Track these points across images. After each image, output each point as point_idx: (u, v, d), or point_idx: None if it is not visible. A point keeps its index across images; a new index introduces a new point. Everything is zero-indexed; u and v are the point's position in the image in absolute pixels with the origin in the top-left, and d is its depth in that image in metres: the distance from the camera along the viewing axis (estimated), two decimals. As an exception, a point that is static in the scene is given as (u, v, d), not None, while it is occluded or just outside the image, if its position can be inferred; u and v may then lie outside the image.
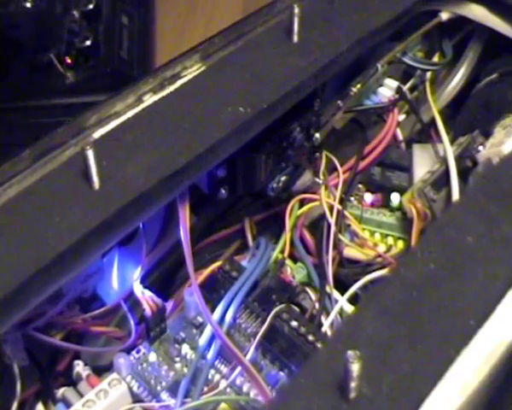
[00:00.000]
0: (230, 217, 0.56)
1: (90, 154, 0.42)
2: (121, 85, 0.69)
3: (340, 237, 0.54)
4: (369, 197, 0.58)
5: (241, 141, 0.47)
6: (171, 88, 0.49)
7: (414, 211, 0.53)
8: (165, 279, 0.53)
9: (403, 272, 0.40)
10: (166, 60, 0.75)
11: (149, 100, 0.49)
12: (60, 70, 0.69)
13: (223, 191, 0.51)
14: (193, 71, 0.50)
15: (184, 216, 0.47)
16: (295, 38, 0.51)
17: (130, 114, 0.48)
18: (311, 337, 0.48)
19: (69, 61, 0.70)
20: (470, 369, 0.36)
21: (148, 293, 0.49)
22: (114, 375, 0.46)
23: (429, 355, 0.36)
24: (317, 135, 0.53)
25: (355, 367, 0.33)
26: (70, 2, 0.77)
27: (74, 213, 0.42)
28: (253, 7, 0.87)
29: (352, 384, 0.34)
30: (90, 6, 0.75)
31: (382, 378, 0.35)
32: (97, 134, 0.46)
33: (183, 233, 0.47)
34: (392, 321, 0.38)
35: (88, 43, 0.70)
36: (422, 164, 0.57)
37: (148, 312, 0.48)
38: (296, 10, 0.50)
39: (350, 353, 0.33)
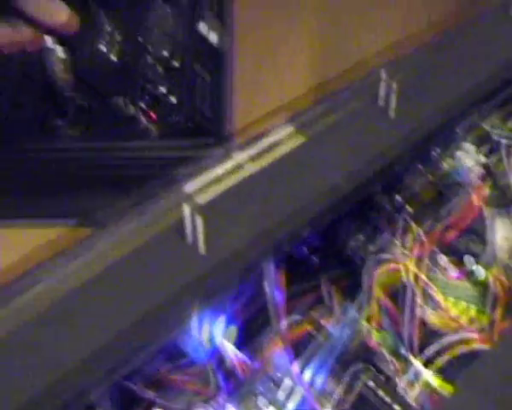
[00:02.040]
0: (315, 279, 0.57)
1: (198, 219, 0.43)
2: (204, 141, 0.72)
3: (424, 306, 0.55)
4: (451, 267, 0.59)
5: (336, 211, 0.49)
6: (269, 156, 0.51)
7: (499, 285, 0.54)
8: (252, 337, 0.54)
9: (499, 354, 0.41)
10: (242, 114, 0.78)
11: (248, 167, 0.50)
12: (143, 123, 0.70)
13: (314, 258, 0.52)
14: (290, 140, 0.52)
15: (278, 279, 0.48)
16: (391, 113, 0.52)
17: (230, 180, 0.49)
18: (396, 407, 0.48)
19: (153, 115, 0.72)
20: None
21: (233, 349, 0.50)
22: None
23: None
24: (399, 198, 0.54)
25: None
26: (154, 57, 0.79)
27: (180, 275, 0.43)
28: (322, 63, 0.89)
29: None
30: (175, 63, 0.77)
31: None
32: (201, 200, 0.47)
33: (277, 295, 0.48)
34: (490, 405, 0.38)
35: (172, 98, 0.72)
36: (507, 237, 0.58)
37: (232, 367, 0.49)
38: (394, 86, 0.51)
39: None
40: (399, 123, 0.52)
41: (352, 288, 0.59)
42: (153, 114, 0.73)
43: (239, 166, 0.50)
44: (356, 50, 0.90)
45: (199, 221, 0.43)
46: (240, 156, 0.50)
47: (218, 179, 0.48)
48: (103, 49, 0.78)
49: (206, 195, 0.47)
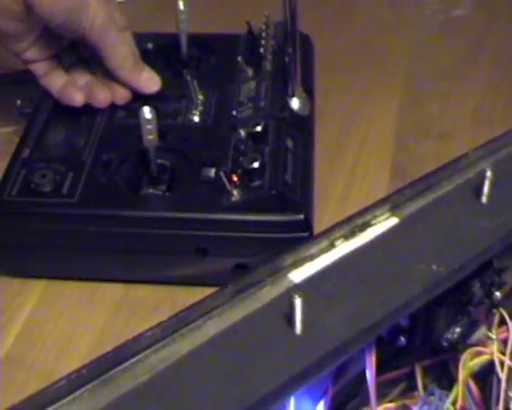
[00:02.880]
0: (400, 359, 0.58)
1: (298, 300, 0.44)
2: (284, 208, 0.73)
3: (508, 392, 0.55)
4: (537, 355, 0.59)
5: (430, 298, 0.49)
6: (362, 236, 0.52)
7: None
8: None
9: None
10: (322, 180, 0.79)
11: (342, 246, 0.51)
12: (226, 187, 0.72)
13: (402, 339, 0.52)
14: (383, 221, 0.52)
15: (371, 363, 0.49)
16: (484, 200, 0.52)
17: (325, 260, 0.50)
18: None
19: (235, 179, 0.73)
20: None
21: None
22: None
23: None
24: (498, 293, 0.54)
25: None
26: (237, 120, 0.80)
27: (277, 356, 0.44)
28: (404, 133, 0.90)
29: None
30: (258, 128, 0.78)
31: None
32: (298, 278, 0.48)
33: (370, 377, 0.49)
34: None
35: (255, 164, 0.73)
36: None
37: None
38: (489, 174, 0.52)
39: None
40: (497, 216, 0.52)
41: (440, 374, 0.59)
42: (238, 183, 0.74)
43: (332, 245, 0.50)
44: (438, 129, 0.91)
45: (298, 301, 0.44)
46: (333, 235, 0.51)
47: (311, 257, 0.49)
48: (195, 119, 0.80)
49: (302, 274, 0.48)
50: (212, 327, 0.46)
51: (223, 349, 0.44)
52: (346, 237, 0.51)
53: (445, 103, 0.96)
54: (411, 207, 0.53)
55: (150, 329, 0.45)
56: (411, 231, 0.51)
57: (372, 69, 1.02)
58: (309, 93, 0.87)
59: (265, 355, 0.44)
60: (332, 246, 0.51)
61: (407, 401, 0.55)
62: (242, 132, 0.79)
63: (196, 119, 0.83)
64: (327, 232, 0.51)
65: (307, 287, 0.47)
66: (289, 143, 0.80)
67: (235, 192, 0.74)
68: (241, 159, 0.76)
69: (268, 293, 0.47)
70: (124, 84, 0.82)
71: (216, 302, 0.47)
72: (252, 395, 0.42)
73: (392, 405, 0.54)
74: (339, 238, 0.51)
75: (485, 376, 0.57)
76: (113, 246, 0.76)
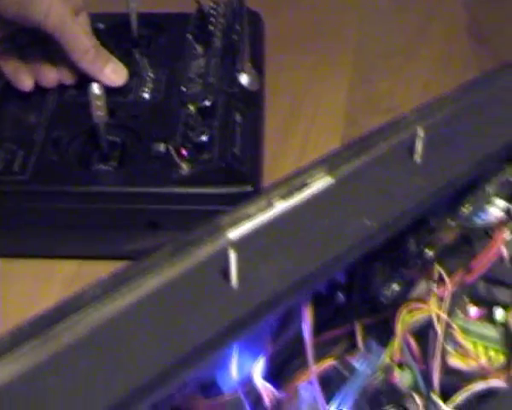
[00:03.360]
0: (341, 318, 0.59)
1: (232, 254, 0.45)
2: (233, 180, 0.74)
3: (445, 345, 0.57)
4: (473, 310, 0.61)
5: (363, 251, 0.51)
6: (300, 196, 0.53)
7: (518, 327, 0.56)
8: (281, 371, 0.56)
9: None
10: (272, 156, 0.80)
11: (279, 206, 0.52)
12: (175, 161, 0.73)
13: (340, 295, 0.54)
14: (320, 181, 0.54)
15: (307, 317, 0.50)
16: (417, 158, 0.54)
17: (262, 217, 0.51)
18: (418, 441, 0.50)
19: (184, 153, 0.74)
20: None
21: (264, 383, 0.52)
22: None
23: None
24: (430, 252, 0.56)
25: None
26: (186, 96, 0.81)
27: (213, 308, 0.45)
28: (354, 110, 0.91)
29: None
30: (207, 103, 0.79)
31: None
32: (234, 235, 0.49)
33: (306, 333, 0.50)
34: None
35: (203, 138, 0.74)
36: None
37: (265, 401, 0.51)
38: (420, 133, 0.53)
39: None
40: (429, 174, 0.54)
41: (381, 333, 0.61)
42: (187, 156, 0.75)
43: (270, 204, 0.51)
44: (388, 104, 0.92)
45: (233, 256, 0.45)
46: (271, 195, 0.52)
47: (249, 216, 0.50)
48: (146, 96, 0.81)
49: (237, 231, 0.49)
50: (150, 284, 0.47)
51: (160, 304, 0.45)
52: (284, 196, 0.52)
53: (395, 79, 0.98)
54: (347, 168, 0.54)
55: (90, 286, 0.46)
56: (346, 190, 0.52)
57: (322, 46, 1.03)
58: (258, 69, 0.88)
59: (202, 308, 0.45)
60: (270, 205, 0.52)
61: (347, 357, 0.56)
62: (191, 108, 0.80)
63: (146, 96, 0.84)
64: (265, 192, 0.52)
65: (243, 243, 0.48)
66: (238, 117, 0.81)
67: (184, 166, 0.75)
68: (191, 133, 0.77)
69: (205, 250, 0.48)
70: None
71: (155, 260, 0.48)
72: (189, 346, 0.43)
73: (330, 361, 0.55)
74: (276, 198, 0.52)
75: (424, 332, 0.58)
76: (66, 222, 0.76)
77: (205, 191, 0.74)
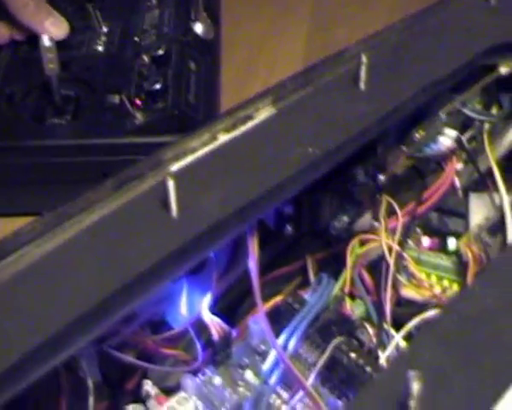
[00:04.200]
0: (293, 253, 0.59)
1: (171, 184, 0.45)
2: (188, 127, 0.73)
3: (398, 277, 0.56)
4: (426, 240, 0.61)
5: (308, 180, 0.50)
6: (244, 127, 0.52)
7: (470, 255, 0.55)
8: (232, 307, 0.56)
9: (460, 306, 0.43)
10: (230, 105, 0.79)
11: (223, 138, 0.52)
12: (129, 111, 0.72)
13: (288, 228, 0.53)
14: (264, 112, 0.53)
15: (253, 248, 0.50)
16: (362, 86, 0.53)
17: (205, 150, 0.51)
18: (368, 369, 0.50)
19: (138, 102, 0.73)
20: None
21: (215, 319, 0.52)
22: (182, 394, 0.49)
23: (485, 382, 0.39)
24: (380, 177, 0.56)
25: (415, 386, 0.35)
26: (140, 47, 0.81)
27: (153, 238, 0.45)
28: (312, 58, 0.90)
29: (412, 404, 0.36)
30: (160, 51, 0.78)
31: (440, 400, 0.38)
32: (175, 167, 0.49)
33: (252, 264, 0.49)
34: (449, 349, 0.40)
35: (157, 86, 0.73)
36: (478, 211, 0.60)
37: (214, 337, 0.51)
38: (364, 59, 0.53)
39: (411, 372, 0.35)
40: (374, 101, 0.53)
41: (329, 261, 0.60)
42: (142, 106, 0.74)
43: (213, 137, 0.51)
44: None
45: (171, 186, 0.44)
46: (215, 128, 0.51)
47: (192, 149, 0.50)
48: (99, 49, 0.80)
49: (179, 163, 0.49)
50: (92, 218, 0.46)
51: (102, 237, 0.45)
52: (228, 129, 0.52)
53: (352, 26, 0.97)
54: (291, 98, 0.54)
55: (30, 223, 0.45)
56: (290, 120, 0.52)
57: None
58: (213, 18, 0.87)
59: (142, 239, 0.44)
60: (214, 139, 0.51)
61: (299, 292, 0.56)
62: (145, 58, 0.79)
63: (100, 48, 0.83)
64: (209, 126, 0.51)
65: (184, 174, 0.48)
66: (192, 65, 0.80)
67: (138, 115, 0.74)
68: (145, 83, 0.76)
69: (147, 183, 0.48)
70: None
71: (97, 196, 0.47)
72: (130, 276, 0.42)
73: (282, 296, 0.55)
74: (220, 131, 0.51)
75: (378, 265, 0.58)
76: (21, 178, 0.76)
77: (159, 140, 0.73)
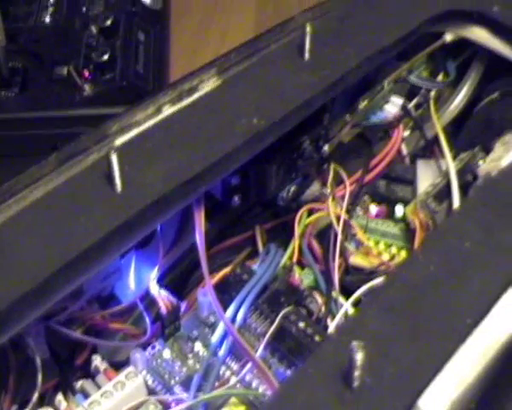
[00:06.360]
0: (242, 225, 0.59)
1: (114, 158, 0.44)
2: (137, 98, 0.72)
3: (346, 245, 0.57)
4: (374, 208, 0.61)
5: (254, 151, 0.50)
6: (189, 100, 0.52)
7: (417, 222, 0.56)
8: (180, 281, 0.56)
9: (404, 274, 0.43)
10: (180, 75, 0.79)
11: (168, 111, 0.51)
12: (78, 83, 0.71)
13: (236, 199, 0.53)
14: (209, 84, 0.53)
15: (200, 221, 0.50)
16: (307, 56, 0.53)
17: (149, 123, 0.50)
18: (317, 338, 0.50)
19: (87, 74, 0.73)
20: (467, 364, 0.39)
21: (163, 293, 0.52)
22: (131, 368, 0.49)
23: (429, 350, 0.39)
24: (326, 147, 0.56)
25: (359, 357, 0.36)
26: (88, 18, 0.80)
27: (98, 213, 0.44)
28: (264, 26, 0.90)
29: (356, 374, 0.36)
30: (108, 22, 0.78)
31: (384, 369, 0.38)
32: (120, 141, 0.48)
33: (199, 237, 0.49)
34: (394, 317, 0.41)
35: (105, 57, 0.73)
36: (425, 178, 0.60)
37: (163, 310, 0.51)
38: (308, 29, 0.52)
39: (354, 343, 0.36)
40: (319, 70, 0.53)
41: (278, 231, 0.61)
42: (90, 77, 0.74)
43: (158, 110, 0.51)
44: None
45: (115, 160, 0.44)
46: (160, 101, 0.51)
47: (136, 122, 0.49)
48: (47, 20, 0.79)
49: (124, 137, 0.48)
50: (36, 194, 0.46)
51: (46, 212, 0.44)
52: (173, 102, 0.51)
53: None
54: (236, 69, 0.53)
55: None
56: (235, 91, 0.52)
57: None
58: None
59: (87, 214, 0.44)
60: (158, 112, 0.51)
61: (248, 263, 0.56)
62: (94, 29, 0.79)
63: (48, 20, 0.82)
64: (153, 98, 0.51)
65: (128, 148, 0.47)
66: (141, 35, 0.80)
67: (86, 87, 0.74)
68: (93, 54, 0.75)
69: (91, 158, 0.47)
70: None
71: (41, 171, 0.47)
72: (76, 251, 0.42)
73: (230, 267, 0.55)
74: (166, 104, 0.51)
75: (327, 234, 0.58)
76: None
77: (108, 111, 0.72)
